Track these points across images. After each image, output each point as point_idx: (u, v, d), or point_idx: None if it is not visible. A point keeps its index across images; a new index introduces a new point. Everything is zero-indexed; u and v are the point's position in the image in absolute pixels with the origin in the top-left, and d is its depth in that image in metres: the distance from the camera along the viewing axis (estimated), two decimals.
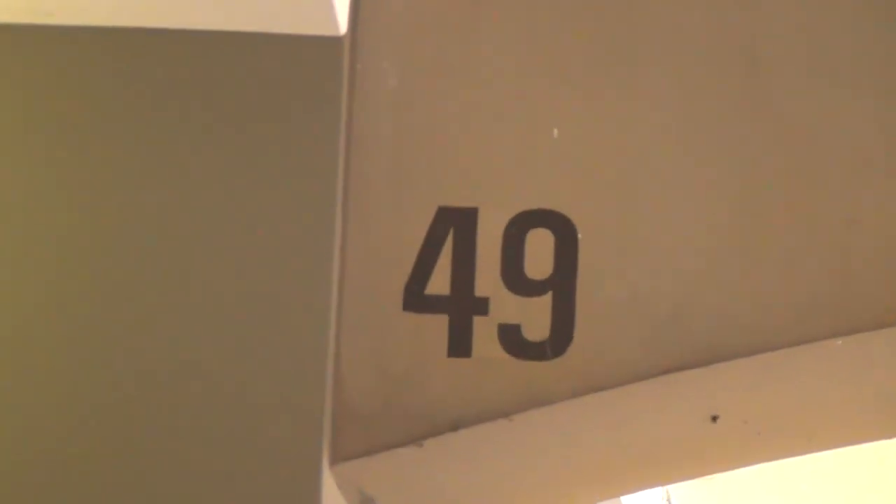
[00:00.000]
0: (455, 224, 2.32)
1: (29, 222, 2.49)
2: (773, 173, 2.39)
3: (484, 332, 2.26)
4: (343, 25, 2.37)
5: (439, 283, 2.28)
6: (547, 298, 2.28)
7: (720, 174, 2.38)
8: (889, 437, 2.79)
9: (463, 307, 2.28)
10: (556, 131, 2.35)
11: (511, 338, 2.26)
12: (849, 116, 2.43)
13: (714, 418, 2.42)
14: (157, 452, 2.40)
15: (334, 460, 2.28)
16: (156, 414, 2.43)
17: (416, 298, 2.28)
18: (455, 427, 2.27)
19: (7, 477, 2.50)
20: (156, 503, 2.41)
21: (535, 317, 2.27)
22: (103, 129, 2.49)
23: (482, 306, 2.27)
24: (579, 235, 2.30)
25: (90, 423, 2.46)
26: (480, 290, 2.27)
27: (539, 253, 2.30)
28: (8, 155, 2.50)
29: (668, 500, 7.09)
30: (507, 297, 2.27)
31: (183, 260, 2.43)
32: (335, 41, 2.37)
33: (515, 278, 2.29)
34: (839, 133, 2.41)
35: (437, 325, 2.29)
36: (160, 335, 2.48)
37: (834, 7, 2.47)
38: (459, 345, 2.27)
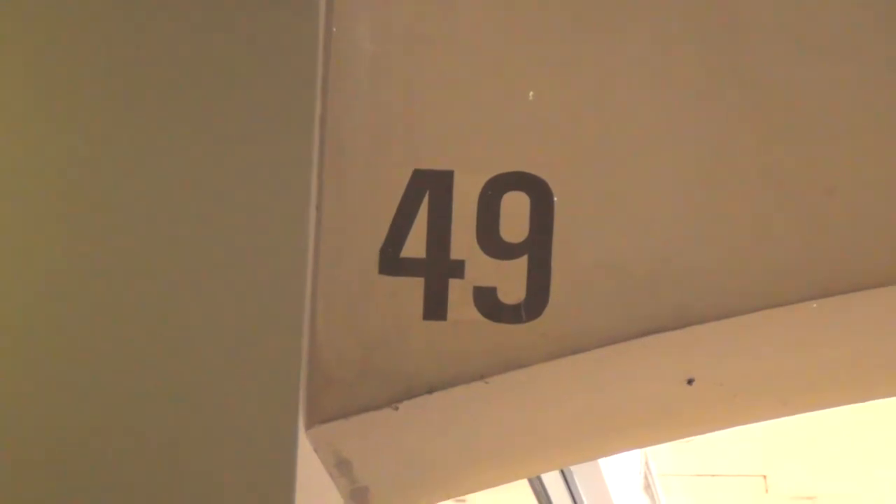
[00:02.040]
0: (430, 187, 2.30)
1: None
2: (752, 139, 2.40)
3: (459, 294, 2.24)
4: None
5: (415, 245, 2.26)
6: (523, 261, 2.26)
7: (698, 139, 2.38)
8: (865, 400, 2.81)
9: (438, 270, 2.26)
10: (531, 94, 2.31)
11: (486, 300, 2.24)
12: (828, 84, 2.43)
13: (690, 381, 2.38)
14: (129, 417, 2.38)
15: (310, 424, 2.25)
16: (128, 377, 2.38)
17: (391, 261, 2.27)
18: (430, 390, 2.23)
19: None
20: (129, 467, 2.38)
21: (510, 279, 2.25)
22: (81, 94, 2.44)
23: (458, 269, 2.25)
24: (555, 198, 2.28)
25: (60, 382, 2.37)
26: (456, 252, 2.26)
27: (515, 216, 2.28)
28: None
29: (646, 462, 7.15)
30: (483, 260, 2.25)
31: (153, 223, 2.40)
32: (311, 4, 2.32)
33: (491, 241, 2.27)
34: (818, 100, 2.42)
35: (412, 288, 2.27)
36: (133, 296, 2.42)
37: None
38: (435, 308, 2.26)
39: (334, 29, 2.32)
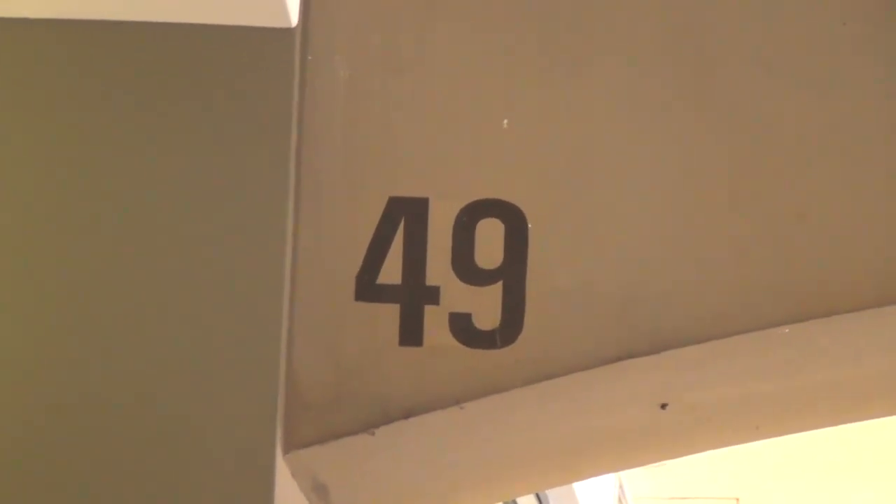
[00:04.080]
0: (406, 214, 2.30)
1: None
2: (724, 166, 2.41)
3: (435, 320, 2.25)
4: (295, 17, 2.35)
5: (391, 272, 2.26)
6: (497, 287, 2.26)
7: (670, 165, 2.39)
8: (837, 424, 2.83)
9: (414, 296, 2.27)
10: (506, 122, 2.31)
11: (462, 326, 2.25)
12: (798, 111, 2.44)
13: (663, 406, 2.41)
14: (107, 441, 2.37)
15: (287, 448, 2.26)
16: (105, 404, 2.38)
17: (367, 288, 2.27)
18: (407, 415, 2.25)
19: None
20: (108, 491, 2.37)
21: (485, 305, 2.25)
22: (58, 118, 2.47)
23: (433, 295, 2.26)
24: (529, 225, 2.28)
25: (45, 408, 2.38)
26: (431, 279, 2.27)
27: (490, 242, 2.28)
28: None
29: (621, 486, 7.18)
30: (458, 286, 2.25)
31: (133, 248, 2.39)
32: (287, 33, 2.34)
33: (466, 267, 2.27)
34: (788, 127, 2.44)
35: (388, 315, 2.27)
36: (116, 322, 2.41)
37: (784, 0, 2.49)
38: (411, 333, 2.26)
39: (309, 57, 2.32)
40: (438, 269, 2.24)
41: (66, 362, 2.39)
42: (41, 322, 2.43)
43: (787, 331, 2.33)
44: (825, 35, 2.48)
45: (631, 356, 2.25)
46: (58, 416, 2.42)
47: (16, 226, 2.42)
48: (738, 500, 8.37)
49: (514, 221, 2.25)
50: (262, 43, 2.37)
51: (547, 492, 6.00)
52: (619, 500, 7.57)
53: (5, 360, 2.42)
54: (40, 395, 2.42)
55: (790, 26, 2.57)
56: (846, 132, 2.45)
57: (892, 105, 2.38)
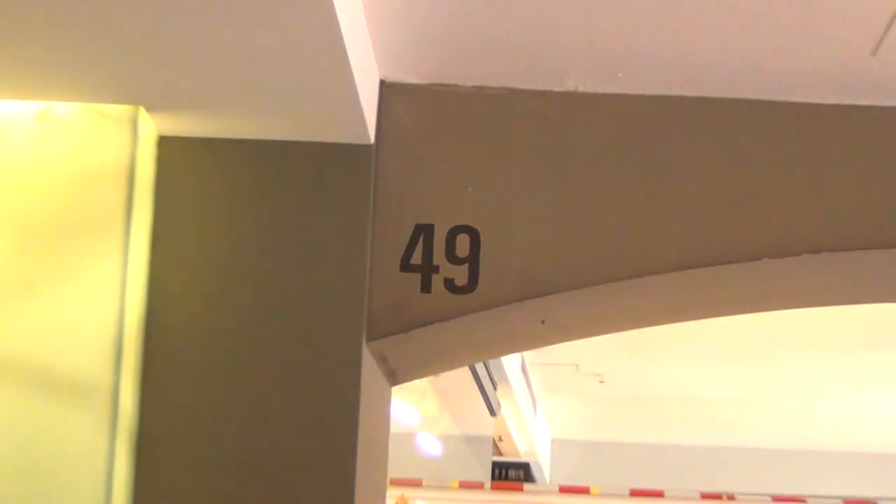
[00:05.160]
0: (424, 231, 3.09)
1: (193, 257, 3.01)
2: None
3: (437, 281, 3.07)
4: (371, 136, 2.97)
5: (416, 258, 3.08)
6: (465, 267, 3.09)
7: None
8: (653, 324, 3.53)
9: (427, 270, 3.07)
10: (470, 189, 3.08)
11: (449, 284, 3.08)
12: None
13: (543, 321, 3.25)
14: (253, 336, 2.98)
15: (368, 340, 3.01)
16: (254, 333, 3.00)
17: (405, 265, 3.07)
18: (424, 324, 3.08)
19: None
20: (250, 367, 2.95)
21: (461, 274, 3.08)
22: (227, 217, 3.06)
23: (437, 269, 3.07)
24: (481, 238, 3.13)
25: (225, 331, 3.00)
26: (435, 262, 3.09)
27: (463, 244, 3.09)
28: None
29: (522, 356, 8.10)
30: (447, 266, 3.08)
31: (272, 281, 3.03)
32: (367, 147, 3.01)
33: (451, 257, 3.09)
34: None
35: (415, 279, 3.10)
36: (265, 311, 3.02)
37: None
38: (425, 287, 3.06)
39: (380, 165, 3.06)
40: (438, 257, 3.05)
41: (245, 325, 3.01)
42: (242, 316, 3.01)
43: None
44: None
45: (531, 297, 3.09)
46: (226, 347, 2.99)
47: (211, 282, 3.01)
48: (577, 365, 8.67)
49: (474, 235, 3.09)
50: (352, 154, 3.01)
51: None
52: (522, 364, 8.24)
53: (215, 360, 2.98)
54: (221, 350, 2.98)
55: None
56: None
57: None
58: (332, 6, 2.30)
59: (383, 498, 3.38)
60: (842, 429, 8.86)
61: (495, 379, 7.03)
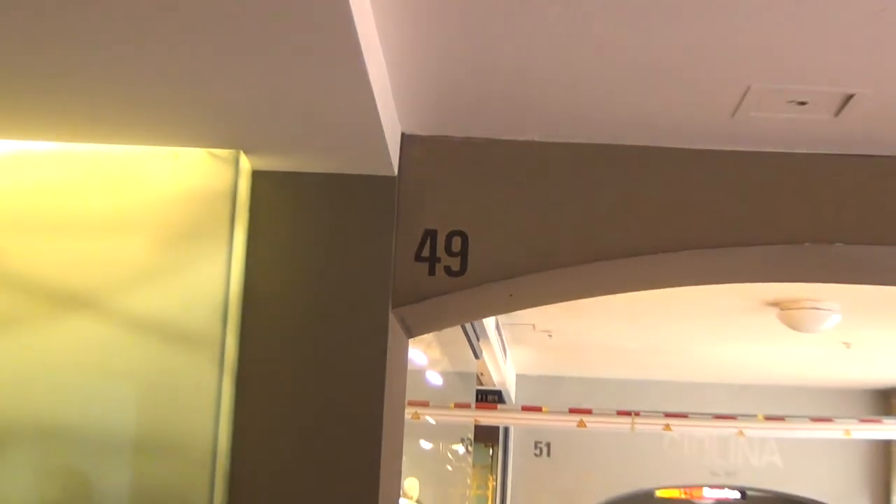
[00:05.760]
0: (430, 234, 3.02)
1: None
2: None
3: (439, 269, 3.04)
4: (395, 171, 2.92)
5: (426, 253, 3.05)
6: (458, 258, 3.02)
7: None
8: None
9: (433, 260, 3.04)
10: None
11: (447, 270, 3.02)
12: None
13: (510, 295, 3.16)
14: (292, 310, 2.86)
15: (393, 307, 2.96)
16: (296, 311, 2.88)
17: (418, 257, 3.03)
18: (430, 296, 2.96)
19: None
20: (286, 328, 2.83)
21: (455, 263, 2.99)
22: (297, 224, 2.96)
23: (439, 259, 3.03)
24: (469, 239, 3.01)
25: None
26: (437, 255, 3.04)
27: (457, 243, 3.01)
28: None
29: (496, 318, 7.62)
30: (447, 257, 3.03)
31: (327, 267, 2.96)
32: (392, 179, 2.95)
33: (449, 252, 3.03)
34: None
35: (424, 266, 2.97)
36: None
37: None
38: (431, 271, 3.02)
39: (402, 193, 2.94)
40: (440, 252, 3.01)
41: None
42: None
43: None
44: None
45: (502, 279, 2.99)
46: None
47: (286, 268, 2.91)
48: (533, 325, 7.91)
49: (464, 237, 3.04)
50: (382, 183, 2.96)
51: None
52: (496, 323, 7.79)
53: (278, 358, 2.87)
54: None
55: None
56: None
57: None
58: (372, 94, 2.35)
59: (402, 411, 3.34)
60: (712, 367, 8.67)
61: (478, 334, 6.93)
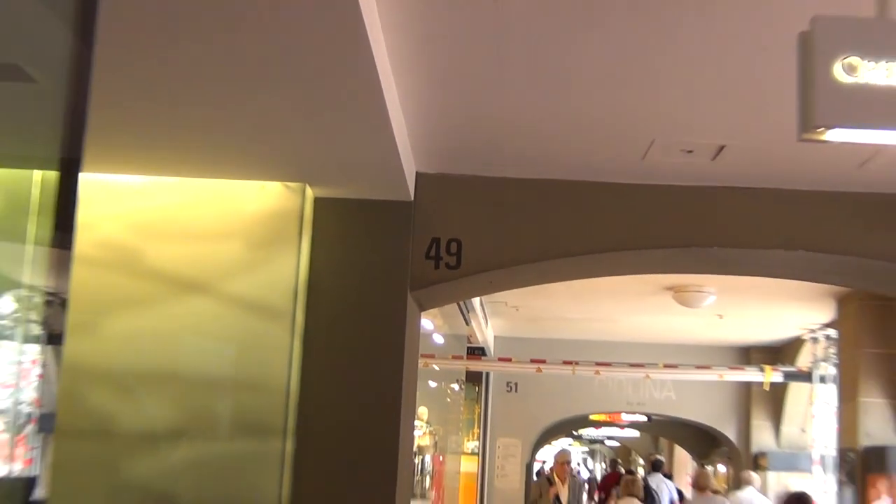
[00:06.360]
0: (435, 240, 2.89)
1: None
2: None
3: (441, 264, 2.92)
4: (412, 197, 2.86)
5: (432, 253, 2.96)
6: (455, 256, 2.86)
7: None
8: None
9: (438, 258, 2.91)
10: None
11: (447, 265, 2.85)
12: None
13: (490, 282, 3.07)
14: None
15: (411, 290, 2.92)
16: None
17: (427, 255, 2.92)
18: (435, 283, 2.81)
19: None
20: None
21: (453, 261, 2.86)
22: (343, 234, 2.85)
23: (443, 257, 2.90)
24: (463, 244, 2.83)
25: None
26: (441, 255, 2.92)
27: (454, 247, 2.91)
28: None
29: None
30: (447, 257, 2.90)
31: (365, 265, 2.83)
32: (408, 203, 2.88)
33: (449, 253, 2.87)
34: None
35: (431, 261, 2.88)
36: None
37: None
38: (437, 265, 2.89)
39: (417, 216, 2.81)
40: (442, 252, 2.96)
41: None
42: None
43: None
44: None
45: (485, 272, 2.89)
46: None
47: (338, 264, 2.81)
48: (506, 302, 6.86)
49: (459, 243, 2.98)
50: (402, 206, 2.89)
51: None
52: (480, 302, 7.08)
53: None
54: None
55: None
56: None
57: None
58: (396, 146, 2.32)
59: (416, 360, 3.23)
60: (628, 331, 8.22)
61: (468, 308, 6.42)
